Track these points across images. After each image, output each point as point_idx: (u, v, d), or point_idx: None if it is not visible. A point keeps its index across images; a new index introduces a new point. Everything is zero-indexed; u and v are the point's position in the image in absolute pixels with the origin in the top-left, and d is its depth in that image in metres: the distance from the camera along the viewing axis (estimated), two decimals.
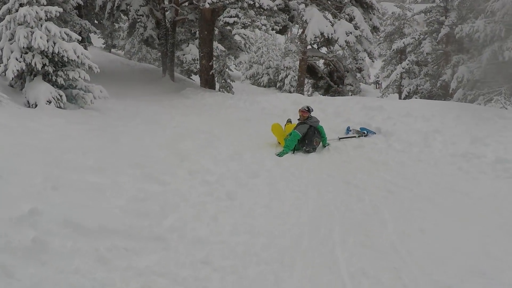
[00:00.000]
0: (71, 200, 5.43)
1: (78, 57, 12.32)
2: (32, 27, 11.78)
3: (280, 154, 10.11)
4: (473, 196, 7.22)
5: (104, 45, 53.94)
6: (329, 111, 14.26)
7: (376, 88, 67.03)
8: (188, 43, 34.27)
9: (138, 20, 26.70)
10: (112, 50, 54.50)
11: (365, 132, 11.54)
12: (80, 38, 13.36)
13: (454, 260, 5.06)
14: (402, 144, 10.48)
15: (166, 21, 26.47)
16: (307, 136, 10.54)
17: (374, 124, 11.98)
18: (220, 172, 7.99)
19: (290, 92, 46.92)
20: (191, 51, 35.95)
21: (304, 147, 10.55)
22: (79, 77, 12.55)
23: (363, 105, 14.07)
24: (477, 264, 4.94)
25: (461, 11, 35.85)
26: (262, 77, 59.94)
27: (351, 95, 28.89)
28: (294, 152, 10.45)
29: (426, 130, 11.00)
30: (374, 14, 26.91)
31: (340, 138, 11.50)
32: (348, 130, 12.03)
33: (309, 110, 11.05)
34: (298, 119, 11.08)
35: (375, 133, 11.46)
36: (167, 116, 13.94)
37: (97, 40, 53.38)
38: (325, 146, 10.96)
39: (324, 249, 5.28)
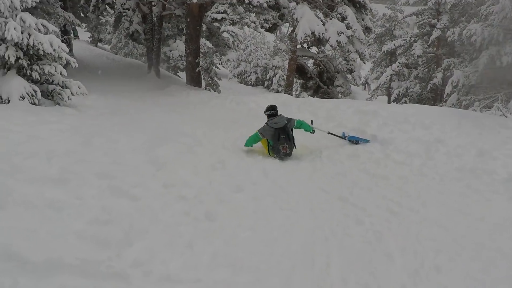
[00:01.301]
0: (18, 224, 4.53)
1: (54, 50, 11.54)
2: (6, 18, 10.98)
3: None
4: (489, 222, 6.19)
5: (91, 39, 53.49)
6: (320, 114, 13.36)
7: (364, 89, 66.80)
8: (176, 39, 33.79)
9: (124, 14, 26.25)
10: (99, 44, 54.26)
11: (357, 142, 10.71)
12: (57, 30, 12.55)
13: None
14: (401, 155, 9.49)
15: (153, 15, 26.05)
16: (273, 142, 9.71)
17: (369, 131, 11.01)
18: (199, 185, 6.98)
19: (277, 91, 46.56)
20: (178, 47, 35.46)
21: (275, 155, 9.75)
22: (55, 71, 11.76)
23: (356, 109, 13.19)
24: None
25: (453, 14, 35.62)
26: (249, 75, 59.63)
27: (341, 96, 28.16)
28: (276, 156, 9.74)
29: (426, 139, 10.02)
30: (366, 14, 26.24)
31: (329, 133, 10.78)
32: (344, 135, 11.16)
33: (268, 109, 10.30)
34: None
35: (369, 141, 10.63)
36: (148, 115, 13.18)
37: (83, 34, 53.15)
38: (312, 132, 10.41)
39: None
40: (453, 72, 25.90)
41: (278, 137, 9.61)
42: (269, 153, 9.88)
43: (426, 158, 9.18)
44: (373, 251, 5.25)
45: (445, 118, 11.38)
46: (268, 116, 10.20)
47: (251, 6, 19.70)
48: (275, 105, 10.48)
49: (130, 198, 5.91)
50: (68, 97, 12.10)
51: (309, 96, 27.91)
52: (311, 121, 10.82)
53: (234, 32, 43.62)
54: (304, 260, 4.93)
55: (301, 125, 10.23)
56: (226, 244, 5.15)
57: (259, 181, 7.81)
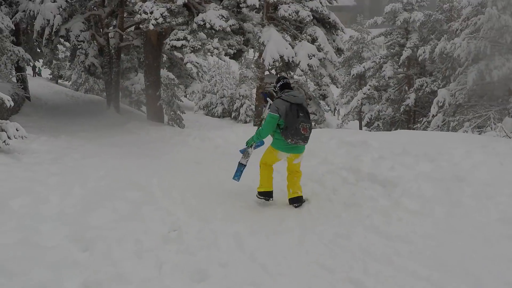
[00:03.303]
0: None
1: None
2: None
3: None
4: None
5: (51, 76, 52.54)
6: None
7: (334, 115, 65.81)
8: (137, 72, 32.43)
9: (79, 47, 24.67)
10: (59, 81, 53.55)
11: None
12: None
13: None
14: (414, 201, 6.99)
15: (110, 47, 24.58)
16: (288, 122, 6.99)
17: (364, 168, 8.68)
18: (141, 278, 4.55)
19: (245, 122, 45.38)
20: (139, 81, 34.26)
21: (289, 140, 7.04)
22: None
23: (340, 139, 11.22)
24: None
25: (422, 32, 35.30)
26: (216, 107, 59.03)
27: (315, 125, 26.54)
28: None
29: (440, 176, 7.63)
30: (337, 35, 24.86)
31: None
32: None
33: (279, 80, 7.62)
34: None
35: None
36: (97, 160, 11.19)
37: (44, 71, 54.49)
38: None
39: None
40: (434, 91, 24.54)
41: (297, 114, 7.00)
42: (267, 134, 7.35)
43: (450, 205, 6.72)
44: None
45: (449, 145, 9.44)
46: (282, 87, 7.45)
47: (213, 31, 18.18)
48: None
49: None
50: (4, 141, 10.42)
51: None
52: None
53: (198, 63, 42.21)
54: None
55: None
56: None
57: (231, 258, 5.36)
